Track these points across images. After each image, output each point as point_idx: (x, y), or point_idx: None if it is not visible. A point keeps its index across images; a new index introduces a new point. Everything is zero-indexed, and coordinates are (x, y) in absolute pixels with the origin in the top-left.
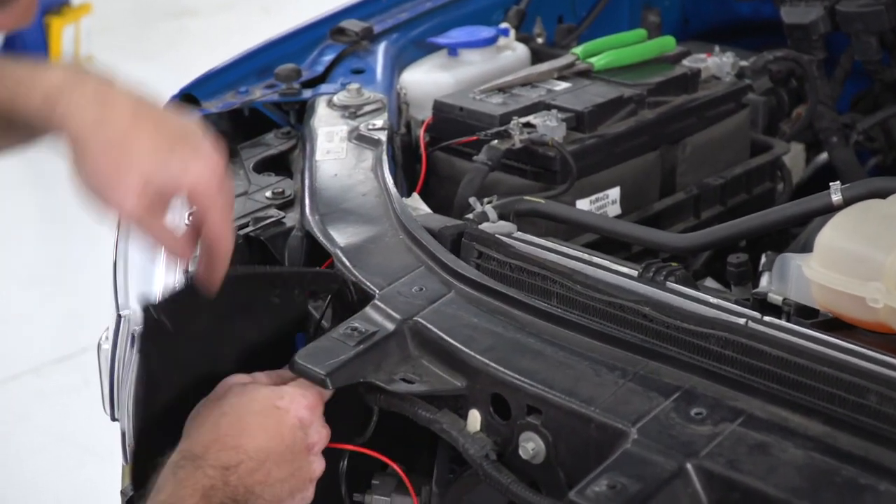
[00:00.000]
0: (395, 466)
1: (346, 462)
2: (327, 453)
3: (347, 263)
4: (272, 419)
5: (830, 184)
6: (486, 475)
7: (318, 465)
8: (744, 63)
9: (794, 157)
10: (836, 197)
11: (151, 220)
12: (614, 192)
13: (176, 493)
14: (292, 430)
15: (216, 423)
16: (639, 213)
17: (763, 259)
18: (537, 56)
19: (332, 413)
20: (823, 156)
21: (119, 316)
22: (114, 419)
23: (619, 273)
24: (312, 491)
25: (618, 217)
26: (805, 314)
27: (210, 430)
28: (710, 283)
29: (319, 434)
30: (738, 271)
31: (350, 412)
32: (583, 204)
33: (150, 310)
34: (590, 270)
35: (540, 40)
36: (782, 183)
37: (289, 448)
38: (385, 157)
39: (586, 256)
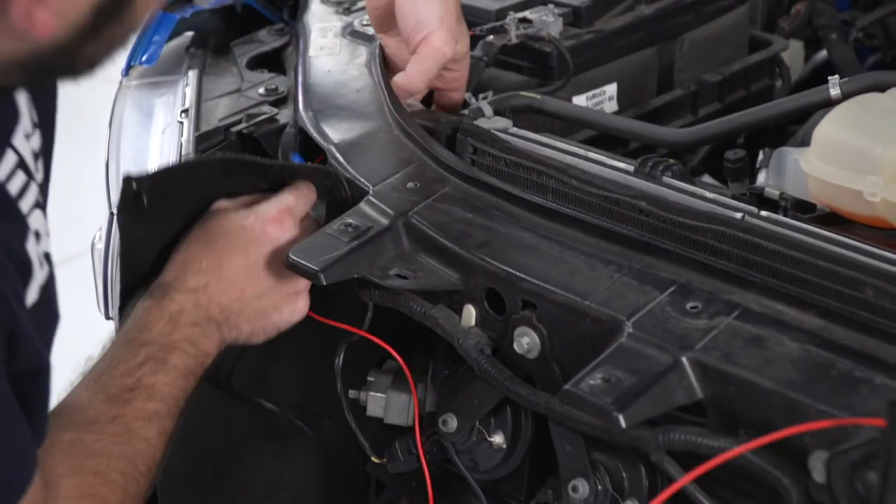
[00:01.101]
0: (395, 354)
1: (341, 358)
2: (323, 349)
3: (341, 159)
4: (238, 238)
5: (829, 78)
6: (480, 370)
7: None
8: None
9: (792, 54)
10: (834, 91)
11: None
12: (611, 89)
13: (144, 319)
14: (259, 245)
15: (185, 251)
16: (636, 110)
17: (761, 155)
18: None
19: (327, 311)
20: (822, 53)
21: (111, 214)
22: (108, 318)
23: (615, 168)
24: (304, 304)
25: (615, 114)
26: (802, 209)
27: (179, 259)
28: (707, 179)
29: (293, 235)
30: (735, 167)
31: (345, 309)
32: (579, 100)
33: (128, 182)
34: (586, 165)
35: None
36: (780, 80)
37: (257, 263)
38: (379, 53)
39: (582, 152)
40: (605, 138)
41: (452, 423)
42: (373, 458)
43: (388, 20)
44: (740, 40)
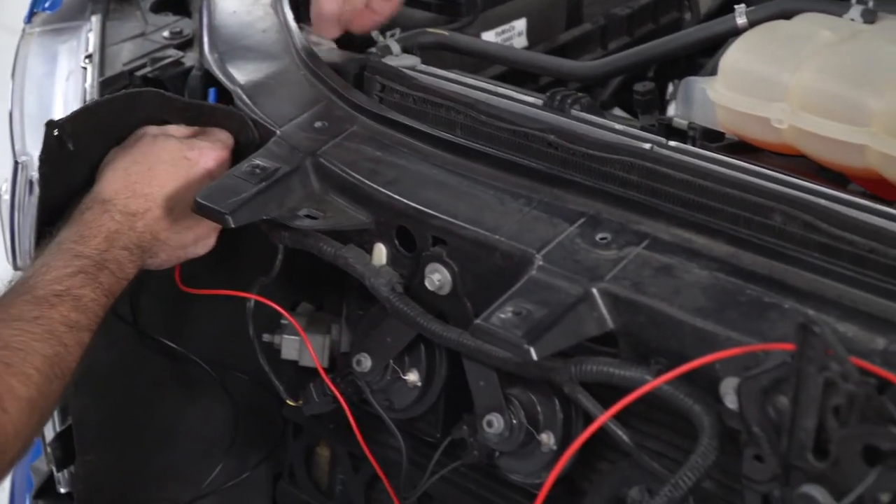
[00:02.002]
0: (291, 320)
1: (252, 302)
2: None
3: (248, 101)
4: (181, 169)
5: (735, 6)
6: (392, 308)
7: None
8: None
9: None
10: (741, 20)
11: None
12: (520, 24)
13: (80, 231)
14: (200, 180)
15: (126, 170)
16: (545, 45)
17: (671, 88)
18: None
19: (237, 254)
20: None
21: (16, 163)
22: (16, 269)
23: (523, 102)
24: (215, 239)
25: (524, 49)
26: (711, 138)
27: (120, 177)
28: (618, 112)
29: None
30: (644, 99)
31: (255, 252)
32: (489, 36)
33: (50, 128)
34: (494, 100)
35: None
36: (689, 12)
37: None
38: None
39: (491, 87)
40: (515, 74)
41: (366, 362)
42: (288, 401)
43: None
44: None
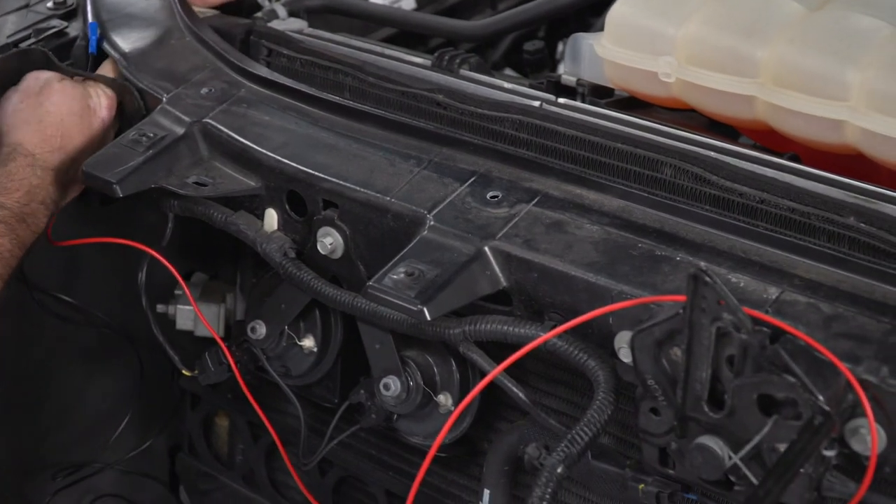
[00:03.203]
0: (184, 287)
1: (144, 273)
2: (131, 262)
3: (133, 69)
4: (86, 120)
5: None
6: (285, 273)
7: None
8: None
9: None
10: None
11: None
12: None
13: (3, 183)
14: (100, 129)
15: (41, 122)
16: (434, 7)
17: (560, 47)
18: None
19: (128, 222)
20: None
21: None
22: None
23: (412, 64)
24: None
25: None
26: (600, 94)
27: (36, 130)
28: (508, 72)
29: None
30: (534, 58)
31: (145, 220)
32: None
33: None
34: (382, 62)
35: None
36: None
37: (95, 147)
38: None
39: (379, 49)
40: (404, 37)
41: (261, 329)
42: (184, 371)
43: None
44: None
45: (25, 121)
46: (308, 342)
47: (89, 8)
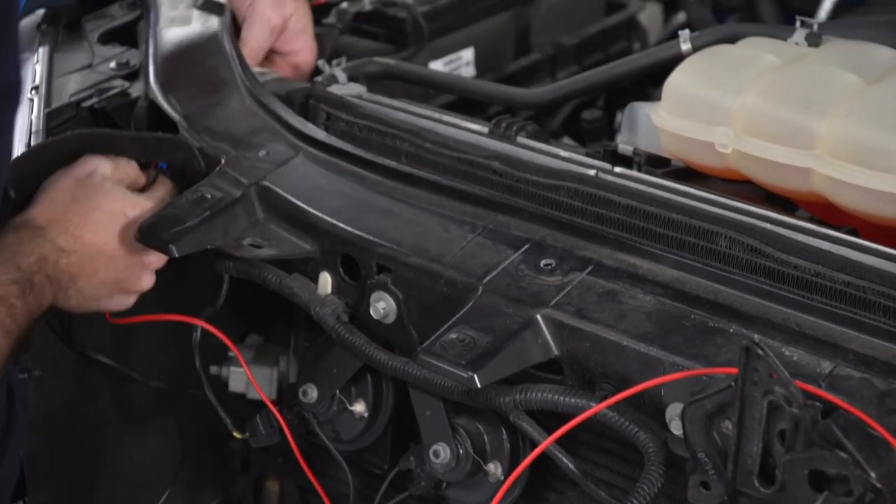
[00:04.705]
0: (235, 352)
1: (198, 333)
2: (181, 326)
3: (193, 130)
4: (118, 224)
5: (679, 32)
6: (337, 337)
7: (147, 281)
8: None
9: (650, 16)
10: (685, 45)
11: None
12: (468, 54)
13: (18, 246)
14: (134, 241)
15: (66, 205)
16: (494, 74)
17: (619, 117)
18: None
19: (183, 283)
20: (682, 16)
21: None
22: None
23: (469, 130)
24: (133, 300)
25: (474, 79)
26: (656, 164)
27: (58, 208)
28: (567, 141)
29: (159, 255)
30: (592, 127)
31: (201, 281)
32: (436, 65)
33: None
34: (440, 128)
35: None
36: (638, 42)
37: (124, 256)
38: (230, 22)
39: (437, 115)
40: (463, 104)
41: (313, 393)
42: (234, 434)
43: None
44: (595, 3)
45: (52, 198)
46: (359, 407)
47: (151, 69)
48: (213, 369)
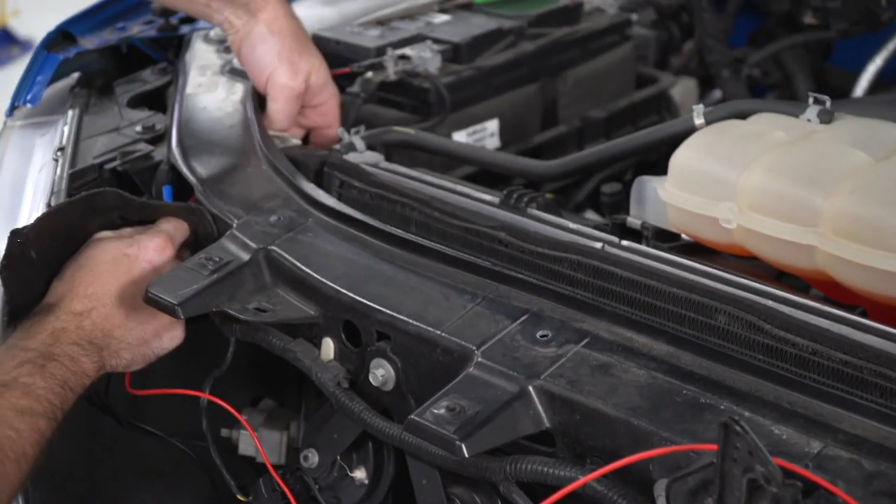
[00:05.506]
0: (239, 417)
1: (205, 399)
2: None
3: (207, 194)
4: (122, 266)
5: (694, 106)
6: (338, 403)
7: None
8: None
9: (685, 91)
10: (699, 120)
11: None
12: (492, 125)
13: (26, 330)
14: (143, 274)
15: (72, 276)
16: (518, 146)
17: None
18: None
19: (191, 346)
20: (718, 92)
21: None
22: None
23: (480, 200)
24: (182, 331)
25: (497, 150)
26: (664, 238)
27: (66, 283)
28: (590, 214)
29: (174, 264)
30: (611, 200)
31: (208, 344)
32: (460, 136)
33: (14, 237)
34: (451, 198)
35: None
36: (669, 115)
37: (141, 291)
38: (254, 90)
39: (450, 185)
40: (486, 175)
41: (314, 458)
42: (238, 497)
43: None
44: (626, 76)
45: (59, 279)
46: (360, 474)
47: (174, 133)
48: (224, 432)
